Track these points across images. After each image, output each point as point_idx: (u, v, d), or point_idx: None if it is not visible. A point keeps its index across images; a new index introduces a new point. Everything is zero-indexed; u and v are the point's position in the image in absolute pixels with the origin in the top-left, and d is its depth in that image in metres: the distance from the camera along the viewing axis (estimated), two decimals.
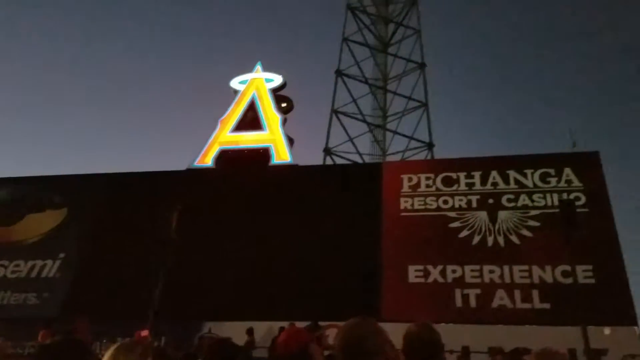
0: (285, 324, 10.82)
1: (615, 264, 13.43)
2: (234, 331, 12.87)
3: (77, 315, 8.60)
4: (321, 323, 12.05)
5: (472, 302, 13.72)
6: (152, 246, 14.07)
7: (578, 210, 13.46)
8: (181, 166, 18.73)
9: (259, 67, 20.64)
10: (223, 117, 19.52)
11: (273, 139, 18.57)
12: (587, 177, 15.05)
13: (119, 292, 15.16)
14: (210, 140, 18.95)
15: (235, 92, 20.19)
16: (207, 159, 18.57)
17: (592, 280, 13.21)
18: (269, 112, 19.24)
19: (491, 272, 14.06)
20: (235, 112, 19.60)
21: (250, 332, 13.30)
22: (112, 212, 17.40)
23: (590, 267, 13.38)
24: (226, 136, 19.08)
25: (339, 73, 27.77)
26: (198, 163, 18.44)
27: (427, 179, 16.24)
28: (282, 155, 18.23)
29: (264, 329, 13.73)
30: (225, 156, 18.60)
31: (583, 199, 14.57)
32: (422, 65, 27.67)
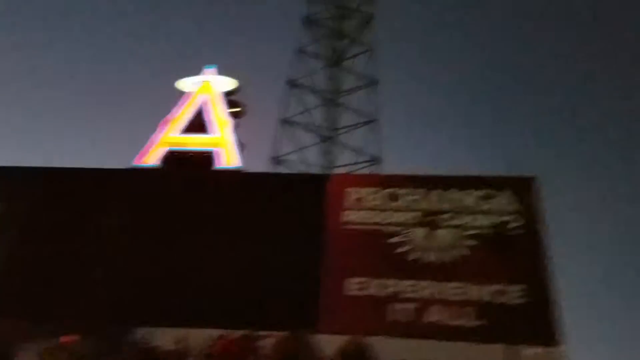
0: (221, 332, 10.68)
1: (546, 286, 14.00)
2: (165, 339, 12.59)
3: None
4: (257, 333, 11.95)
5: (408, 317, 13.99)
6: (89, 246, 13.60)
7: (513, 232, 13.95)
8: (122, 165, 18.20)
9: (212, 69, 20.40)
10: (169, 117, 19.15)
11: (222, 142, 18.39)
12: (524, 201, 15.61)
13: (49, 292, 14.55)
14: (153, 140, 18.54)
15: (183, 92, 19.84)
16: (150, 159, 18.15)
17: (524, 300, 13.73)
18: (220, 116, 19.06)
19: (427, 287, 14.38)
20: (184, 113, 19.28)
21: (180, 340, 13.03)
22: (48, 208, 16.70)
23: (522, 287, 13.91)
24: (173, 137, 18.73)
25: (291, 83, 27.87)
26: (139, 162, 17.98)
27: (372, 193, 16.45)
28: (231, 159, 18.10)
29: (200, 337, 13.48)
30: (171, 157, 18.26)
31: (519, 222, 15.13)
32: (374, 82, 28.15)
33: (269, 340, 11.34)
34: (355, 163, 26.32)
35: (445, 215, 15.61)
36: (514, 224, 15.00)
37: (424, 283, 14.43)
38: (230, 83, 19.96)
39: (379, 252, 15.20)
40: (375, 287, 14.55)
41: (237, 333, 13.07)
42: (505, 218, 15.11)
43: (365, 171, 25.37)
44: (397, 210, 15.93)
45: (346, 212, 16.07)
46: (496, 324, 13.31)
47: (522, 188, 15.96)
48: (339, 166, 26.62)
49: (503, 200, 15.62)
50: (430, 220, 15.56)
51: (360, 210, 16.07)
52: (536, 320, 13.41)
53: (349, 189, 16.62)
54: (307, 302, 14.32)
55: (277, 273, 14.67)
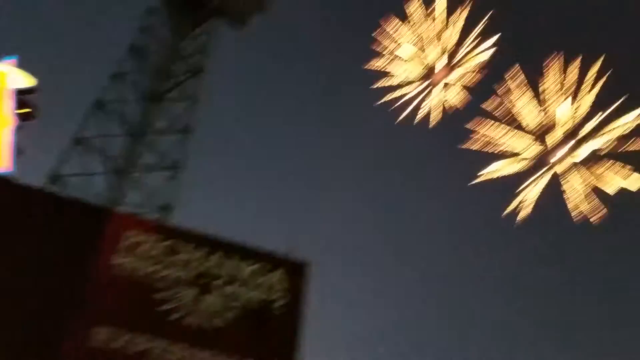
0: None
1: None
2: None
3: None
4: None
5: None
6: None
7: (277, 311, 14.49)
8: None
9: (12, 60, 18.21)
10: None
11: None
12: (293, 283, 16.40)
13: None
14: None
15: None
16: None
17: None
18: (2, 112, 17.00)
19: (179, 351, 14.03)
20: None
21: None
22: None
23: None
24: None
25: (98, 104, 26.23)
26: None
27: (152, 241, 15.80)
28: (2, 162, 16.12)
29: None
30: None
31: (283, 302, 15.77)
32: (188, 130, 27.81)
33: None
34: (144, 206, 25.21)
35: (219, 281, 15.60)
36: (279, 303, 15.61)
37: (177, 346, 14.06)
38: (27, 81, 17.97)
39: (141, 305, 14.46)
40: (125, 341, 13.70)
41: None
42: (273, 296, 15.67)
43: (154, 217, 24.38)
44: (173, 265, 15.46)
45: (119, 255, 15.12)
46: None
47: (294, 271, 16.82)
48: (127, 205, 25.23)
49: (275, 279, 16.23)
50: (203, 283, 15.39)
51: (134, 257, 15.24)
52: None
53: (128, 232, 15.76)
54: (48, 346, 12.86)
55: (23, 307, 13.00)
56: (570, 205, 26.36)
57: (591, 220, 25.80)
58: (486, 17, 27.72)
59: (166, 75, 29.67)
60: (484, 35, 28.09)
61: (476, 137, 27.12)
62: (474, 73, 28.16)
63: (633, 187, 24.95)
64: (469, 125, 27.20)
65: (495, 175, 27.41)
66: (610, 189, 25.52)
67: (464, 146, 27.32)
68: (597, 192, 25.89)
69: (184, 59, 30.22)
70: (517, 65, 26.48)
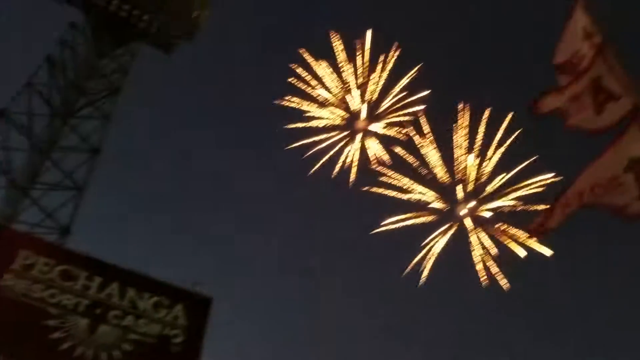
0: None
1: None
2: None
3: None
4: None
5: None
6: None
7: (173, 347, 14.21)
8: None
9: None
10: None
11: None
12: (193, 318, 16.13)
13: None
14: None
15: None
16: None
17: None
18: None
19: None
20: None
21: None
22: None
23: None
24: None
25: (2, 114, 24.86)
26: None
27: (46, 264, 15.04)
28: None
29: None
30: None
31: (182, 338, 15.46)
32: (95, 150, 26.91)
33: None
34: (41, 226, 23.85)
35: (117, 312, 15.07)
36: (178, 340, 15.28)
37: None
38: None
39: (30, 332, 13.56)
40: None
41: None
42: (172, 332, 15.32)
43: (51, 238, 23.10)
44: (69, 291, 14.77)
45: (9, 276, 14.25)
46: None
47: (196, 306, 16.56)
48: (23, 223, 23.76)
49: (175, 313, 15.87)
50: (99, 312, 14.78)
51: (26, 279, 14.41)
52: None
53: (22, 251, 14.95)
54: None
55: None
56: (476, 265, 26.39)
57: (488, 283, 25.94)
58: (414, 70, 28.08)
59: (81, 92, 28.72)
60: (410, 88, 28.26)
61: (383, 186, 27.24)
62: (397, 127, 28.11)
63: (522, 253, 25.13)
64: (382, 178, 27.28)
65: (397, 225, 27.26)
66: (518, 251, 25.23)
67: (372, 191, 27.20)
68: (504, 253, 25.86)
69: (102, 77, 29.47)
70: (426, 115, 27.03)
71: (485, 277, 26.24)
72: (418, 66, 28.24)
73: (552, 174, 25.76)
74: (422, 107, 27.51)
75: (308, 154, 28.82)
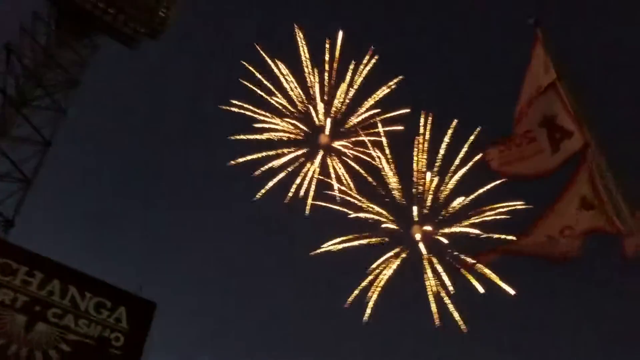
0: None
1: None
2: None
3: None
4: None
5: None
6: None
7: (112, 350, 13.81)
8: None
9: None
10: None
11: None
12: (135, 322, 15.77)
13: None
14: None
15: None
16: None
17: None
18: None
19: None
20: None
21: None
22: None
23: None
24: None
25: None
26: None
27: None
28: None
29: None
30: None
31: (122, 341, 15.06)
32: (47, 143, 26.05)
33: None
34: None
35: (56, 310, 14.54)
36: (119, 343, 14.87)
37: None
38: None
39: None
40: None
41: None
42: (113, 334, 14.90)
43: None
44: (5, 286, 14.18)
45: None
46: None
47: (139, 310, 16.19)
48: None
49: (117, 316, 15.47)
50: (36, 310, 14.23)
51: None
52: None
53: None
54: None
55: None
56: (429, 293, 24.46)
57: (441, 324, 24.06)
58: (392, 82, 26.26)
59: (37, 82, 27.86)
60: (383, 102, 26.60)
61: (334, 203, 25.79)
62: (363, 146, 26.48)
63: (481, 289, 23.56)
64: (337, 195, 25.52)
65: (340, 246, 25.63)
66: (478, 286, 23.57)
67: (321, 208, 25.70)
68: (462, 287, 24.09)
69: (60, 69, 28.66)
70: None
71: (437, 317, 24.16)
72: (396, 79, 26.29)
73: (521, 202, 24.40)
74: (398, 127, 25.92)
75: (258, 172, 26.96)
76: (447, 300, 24.51)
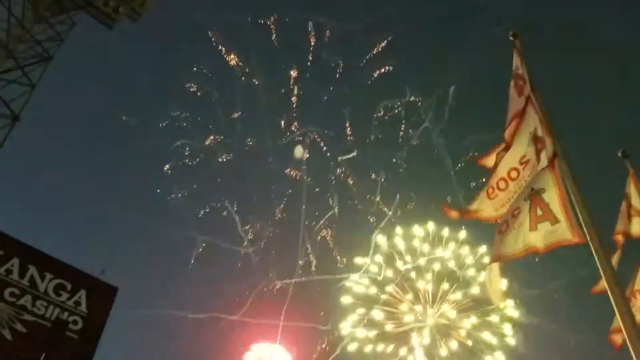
0: None
1: None
2: None
3: None
4: None
5: None
6: None
7: (69, 333, 13.56)
8: None
9: None
10: None
11: None
12: (95, 306, 15.47)
13: None
14: None
15: None
16: None
17: None
18: None
19: None
20: None
21: None
22: None
23: None
24: None
25: None
26: None
27: None
28: None
29: None
30: None
31: (80, 325, 14.76)
32: (16, 117, 25.37)
33: None
34: None
35: (13, 290, 14.13)
36: (77, 327, 14.54)
37: None
38: None
39: None
40: None
41: None
42: (71, 317, 14.57)
43: None
44: None
45: None
46: None
47: (101, 294, 15.86)
48: None
49: (76, 299, 15.12)
50: None
51: None
52: None
53: None
54: None
55: None
56: None
57: None
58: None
59: (8, 55, 27.09)
60: None
61: None
62: None
63: None
64: None
65: None
66: None
67: None
68: None
69: (34, 43, 27.90)
70: None
71: None
72: None
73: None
74: None
75: None
76: None
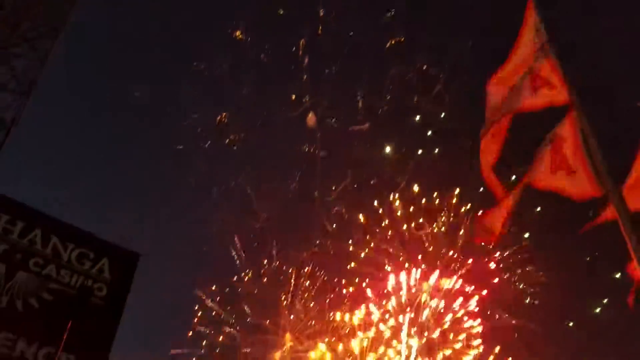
0: None
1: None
2: None
3: None
4: None
5: None
6: None
7: (94, 299, 13.92)
8: None
9: None
10: None
11: None
12: (118, 273, 15.80)
13: None
14: None
15: None
16: None
17: None
18: None
19: None
20: None
21: None
22: None
23: (70, 357, 13.64)
24: None
25: None
26: None
27: None
28: None
29: None
30: None
31: (104, 291, 15.13)
32: (27, 91, 25.43)
33: None
34: None
35: (37, 260, 14.49)
36: (101, 294, 14.93)
37: None
38: None
39: None
40: None
41: None
42: (96, 285, 14.95)
43: None
44: None
45: None
46: None
47: (123, 261, 16.19)
48: None
49: (100, 267, 15.48)
50: (18, 258, 14.17)
51: None
52: None
53: None
54: None
55: None
56: None
57: None
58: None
59: (13, 28, 26.93)
60: None
61: None
62: None
63: None
64: None
65: None
66: None
67: None
68: None
69: (43, 18, 27.72)
70: None
71: None
72: None
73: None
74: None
75: None
76: None
